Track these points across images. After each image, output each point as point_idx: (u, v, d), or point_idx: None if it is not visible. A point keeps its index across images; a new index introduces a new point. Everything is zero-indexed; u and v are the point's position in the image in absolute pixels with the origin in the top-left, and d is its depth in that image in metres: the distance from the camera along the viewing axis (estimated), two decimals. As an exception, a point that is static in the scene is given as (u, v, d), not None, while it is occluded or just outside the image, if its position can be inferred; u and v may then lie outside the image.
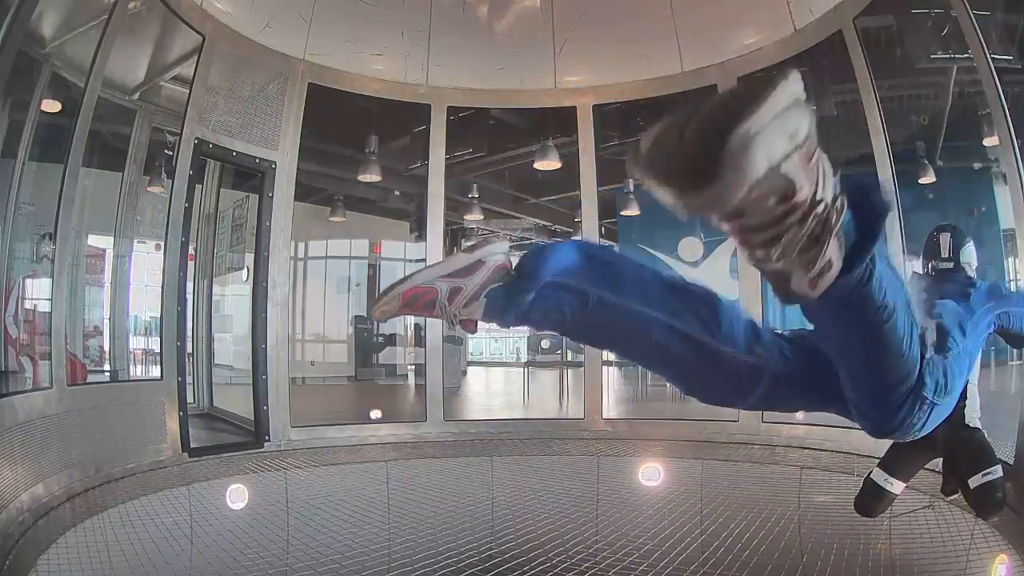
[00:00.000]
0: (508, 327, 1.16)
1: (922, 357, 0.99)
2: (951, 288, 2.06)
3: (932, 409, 1.08)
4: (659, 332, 1.09)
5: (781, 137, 0.56)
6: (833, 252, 0.67)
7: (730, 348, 1.10)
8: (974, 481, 2.44)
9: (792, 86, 0.58)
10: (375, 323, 9.23)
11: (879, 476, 2.63)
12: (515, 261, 1.16)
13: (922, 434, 1.12)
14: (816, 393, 1.10)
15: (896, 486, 2.61)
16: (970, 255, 2.48)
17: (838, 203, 0.65)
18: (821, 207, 0.63)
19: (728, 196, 0.56)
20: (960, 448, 2.51)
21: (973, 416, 2.56)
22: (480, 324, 1.21)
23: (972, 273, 2.45)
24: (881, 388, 1.01)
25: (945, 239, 2.52)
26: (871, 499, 2.65)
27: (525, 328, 1.22)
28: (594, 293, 1.10)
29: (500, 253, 1.15)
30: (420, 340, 6.71)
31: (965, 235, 2.53)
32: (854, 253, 0.71)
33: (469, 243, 1.15)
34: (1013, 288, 5.26)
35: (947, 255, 2.48)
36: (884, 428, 1.08)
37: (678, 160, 0.57)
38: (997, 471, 2.43)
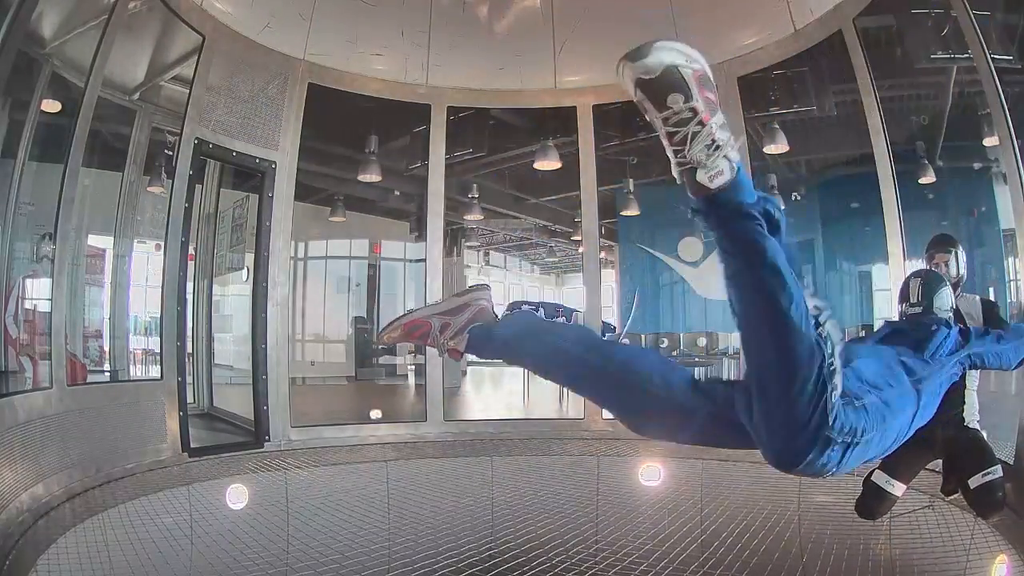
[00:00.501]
0: (486, 359, 1.51)
1: (825, 393, 1.08)
2: (917, 334, 2.05)
3: (847, 449, 1.16)
4: (604, 379, 1.33)
5: (680, 55, 0.94)
6: (724, 167, 0.97)
7: (665, 393, 1.28)
8: (974, 481, 2.43)
9: (702, 61, 0.98)
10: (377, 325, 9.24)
11: (880, 478, 2.62)
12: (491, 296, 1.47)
13: (840, 472, 1.22)
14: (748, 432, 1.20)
15: (897, 488, 2.60)
16: (943, 300, 2.42)
17: (729, 138, 0.97)
18: (715, 128, 0.95)
19: (648, 67, 0.93)
20: (960, 449, 2.52)
21: (972, 419, 2.58)
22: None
23: (946, 316, 2.38)
24: (779, 402, 1.08)
25: (915, 284, 2.47)
26: (873, 501, 2.64)
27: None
28: (555, 343, 1.37)
29: (483, 299, 1.45)
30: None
31: (940, 280, 2.49)
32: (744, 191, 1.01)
33: (465, 289, 1.48)
34: (1013, 290, 5.26)
35: (916, 300, 2.43)
36: (786, 455, 1.13)
37: (632, 53, 0.95)
38: (997, 471, 2.43)
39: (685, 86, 0.92)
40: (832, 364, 1.05)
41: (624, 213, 8.10)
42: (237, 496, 3.83)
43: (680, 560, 3.07)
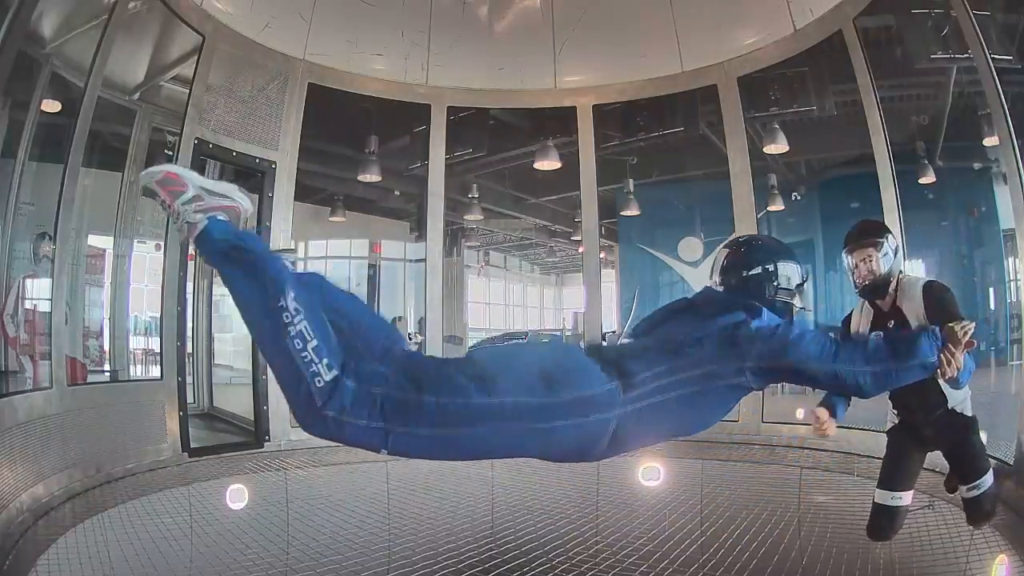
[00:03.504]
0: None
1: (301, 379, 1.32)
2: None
3: (386, 434, 1.34)
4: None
5: (148, 178, 1.44)
6: (197, 221, 1.41)
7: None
8: (963, 493, 2.35)
9: (161, 172, 1.44)
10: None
11: (884, 497, 2.47)
12: (248, 210, 1.49)
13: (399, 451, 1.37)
14: None
15: (905, 498, 2.46)
16: (767, 279, 1.68)
17: (190, 208, 1.43)
18: (179, 207, 1.43)
19: (142, 189, 1.46)
20: (952, 450, 2.39)
21: (960, 406, 2.32)
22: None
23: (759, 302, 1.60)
24: (279, 380, 1.37)
25: (721, 255, 1.76)
26: (884, 521, 2.47)
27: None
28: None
29: (244, 202, 1.46)
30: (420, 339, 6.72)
31: (765, 251, 1.73)
32: None
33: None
34: (1013, 290, 5.26)
35: (717, 277, 1.74)
36: (299, 421, 1.38)
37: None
38: (986, 481, 2.31)
39: (153, 193, 1.40)
40: (308, 359, 1.28)
41: (624, 213, 8.10)
42: (237, 496, 3.82)
43: (680, 561, 3.07)
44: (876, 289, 2.34)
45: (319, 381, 1.28)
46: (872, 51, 4.32)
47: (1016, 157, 3.20)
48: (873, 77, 4.26)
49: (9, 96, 3.71)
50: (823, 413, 2.22)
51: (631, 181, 7.75)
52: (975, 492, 2.31)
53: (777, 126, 5.97)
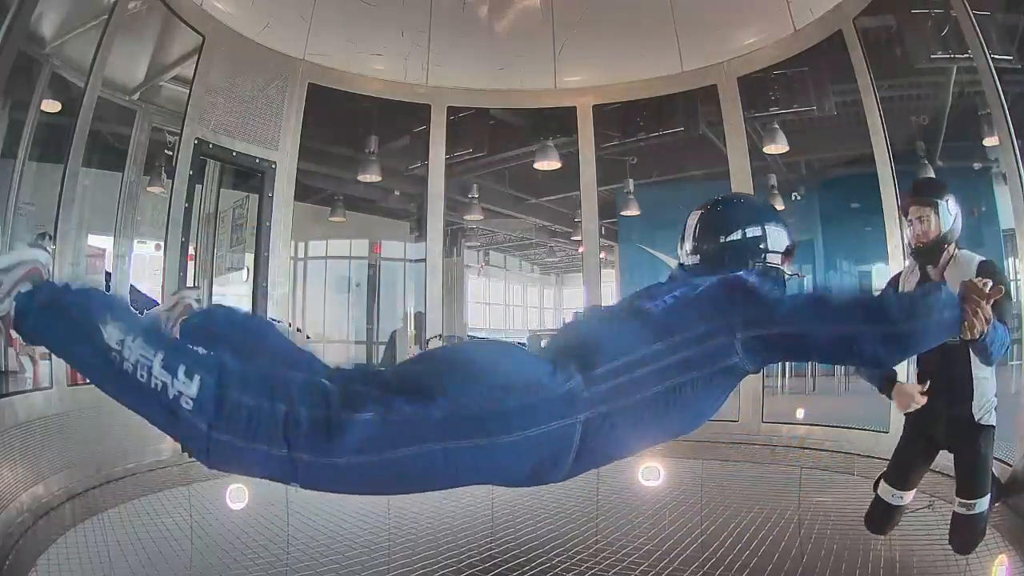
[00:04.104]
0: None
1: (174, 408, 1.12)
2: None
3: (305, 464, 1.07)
4: None
5: None
6: (5, 308, 1.14)
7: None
8: (955, 506, 2.23)
9: None
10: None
11: (887, 492, 2.45)
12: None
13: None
14: None
15: (906, 497, 2.45)
16: (749, 246, 1.44)
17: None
18: None
19: None
20: (959, 452, 2.33)
21: (985, 413, 2.27)
22: None
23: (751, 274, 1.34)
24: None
25: (693, 221, 1.51)
26: (881, 517, 2.48)
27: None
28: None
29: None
30: (419, 338, 6.72)
31: (750, 211, 1.51)
32: None
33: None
34: (1013, 290, 5.26)
35: (691, 245, 1.49)
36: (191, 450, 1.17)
37: None
38: (979, 505, 2.19)
39: None
40: (161, 384, 1.07)
41: (624, 213, 8.12)
42: (237, 496, 3.83)
43: (680, 560, 3.07)
44: (930, 251, 2.23)
45: (186, 402, 1.07)
46: (872, 51, 4.32)
47: (1016, 157, 3.20)
48: (873, 77, 4.26)
49: (9, 96, 3.71)
50: (909, 388, 2.18)
51: (631, 181, 7.76)
52: (964, 511, 2.21)
53: (777, 126, 5.98)
